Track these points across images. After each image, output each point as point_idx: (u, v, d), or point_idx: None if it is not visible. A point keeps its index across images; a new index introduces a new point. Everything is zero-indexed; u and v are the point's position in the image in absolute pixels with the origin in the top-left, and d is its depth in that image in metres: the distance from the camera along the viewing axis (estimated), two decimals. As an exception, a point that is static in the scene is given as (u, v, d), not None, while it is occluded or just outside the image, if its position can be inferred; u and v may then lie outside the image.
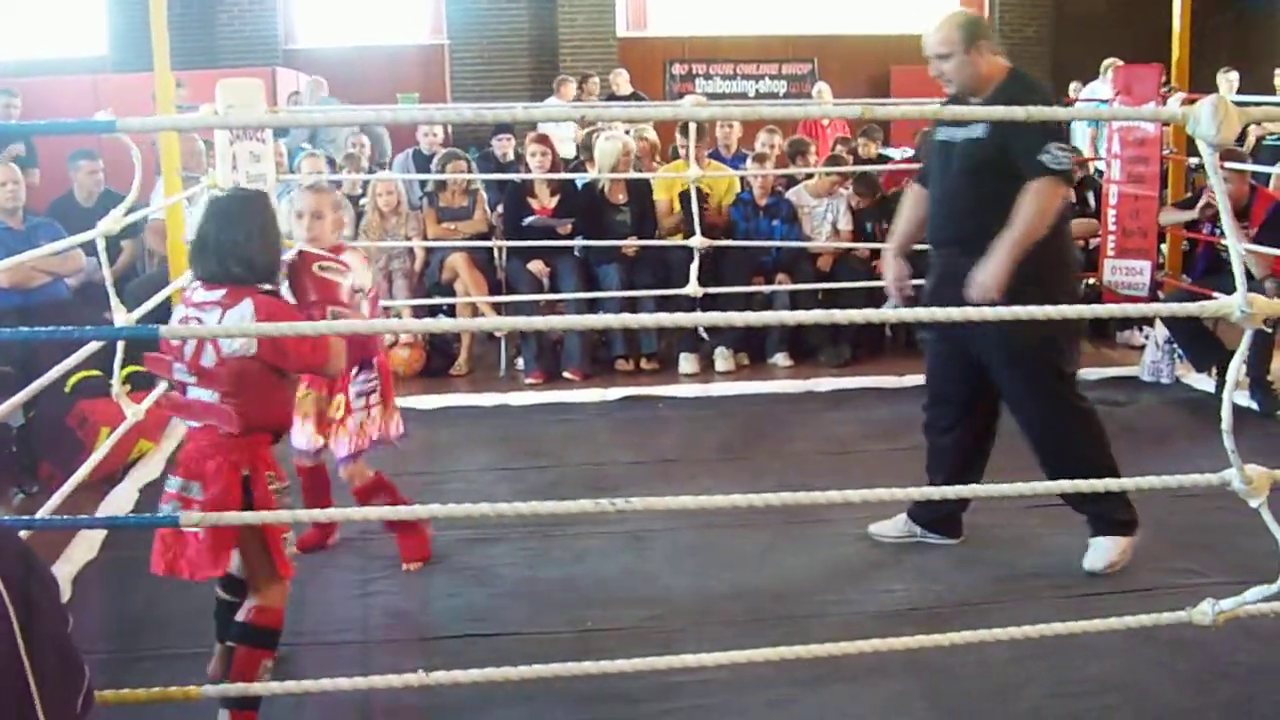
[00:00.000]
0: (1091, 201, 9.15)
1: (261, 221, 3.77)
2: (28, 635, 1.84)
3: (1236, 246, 3.04)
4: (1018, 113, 3.34)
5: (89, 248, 5.88)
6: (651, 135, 10.20)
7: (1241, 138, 12.85)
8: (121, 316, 5.16)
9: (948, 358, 5.09)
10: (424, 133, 11.15)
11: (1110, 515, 4.92)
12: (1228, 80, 13.13)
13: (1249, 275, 5.70)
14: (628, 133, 9.46)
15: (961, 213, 4.81)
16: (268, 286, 3.75)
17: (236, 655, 3.68)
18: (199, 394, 3.67)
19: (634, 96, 14.65)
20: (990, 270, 4.53)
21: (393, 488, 5.05)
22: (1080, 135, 12.71)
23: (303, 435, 4.91)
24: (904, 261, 5.21)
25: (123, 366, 5.64)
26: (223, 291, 3.66)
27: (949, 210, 4.88)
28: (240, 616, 3.72)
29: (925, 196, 5.12)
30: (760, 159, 9.38)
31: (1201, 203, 7.70)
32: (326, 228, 4.68)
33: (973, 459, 5.11)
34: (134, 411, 5.58)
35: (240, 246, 3.67)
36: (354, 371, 4.80)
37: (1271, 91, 13.19)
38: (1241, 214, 7.40)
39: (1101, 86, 12.98)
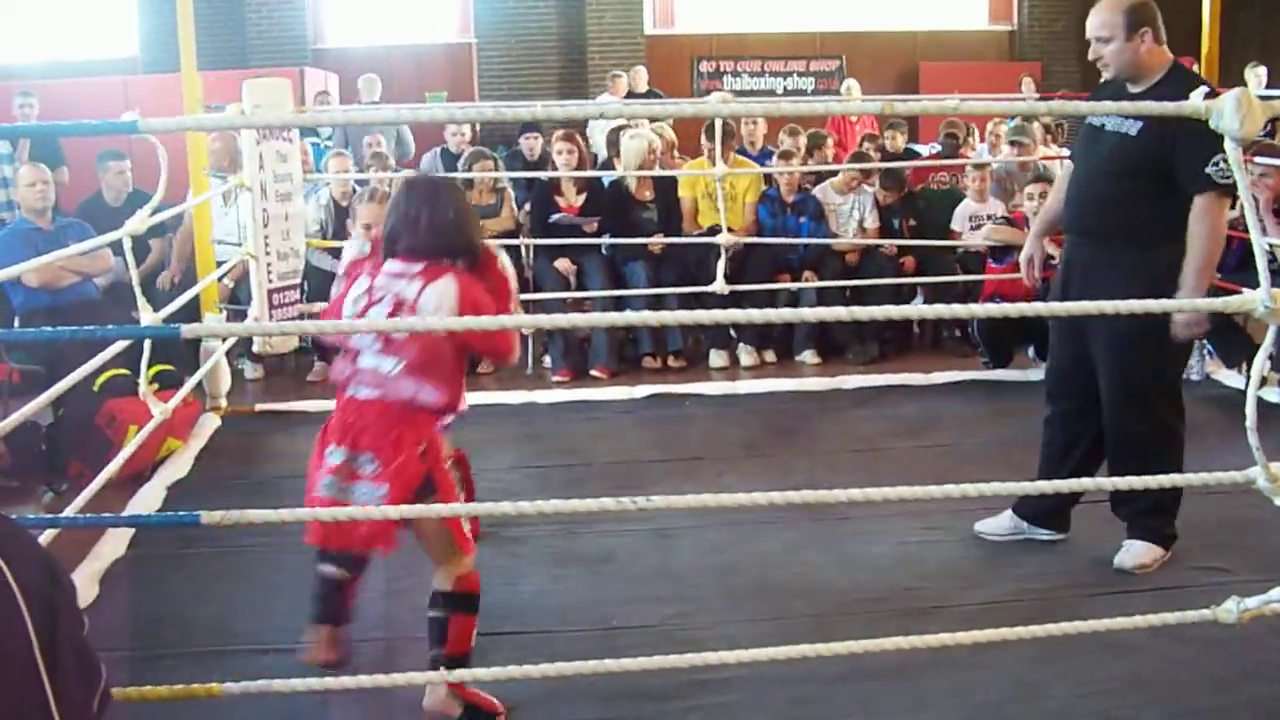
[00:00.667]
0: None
1: (465, 202, 3.96)
2: (44, 640, 1.85)
3: (1260, 241, 3.02)
4: (1040, 108, 3.32)
5: (117, 248, 5.91)
6: (669, 133, 10.18)
7: (1272, 133, 12.79)
8: (148, 316, 5.18)
9: (1073, 352, 4.96)
10: (452, 131, 11.16)
11: (1156, 526, 4.91)
12: (1256, 75, 13.08)
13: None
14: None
15: (1098, 206, 4.76)
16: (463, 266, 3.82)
17: (451, 625, 3.75)
18: (377, 363, 3.72)
19: (650, 94, 14.62)
20: (1188, 293, 4.47)
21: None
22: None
23: None
24: (1044, 246, 5.27)
25: (150, 365, 5.67)
26: (422, 265, 3.74)
27: (1086, 200, 4.84)
28: (442, 587, 3.79)
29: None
30: (786, 156, 9.38)
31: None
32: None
33: (1092, 456, 5.03)
34: (161, 410, 5.60)
35: (450, 225, 3.79)
36: None
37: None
38: None
39: None
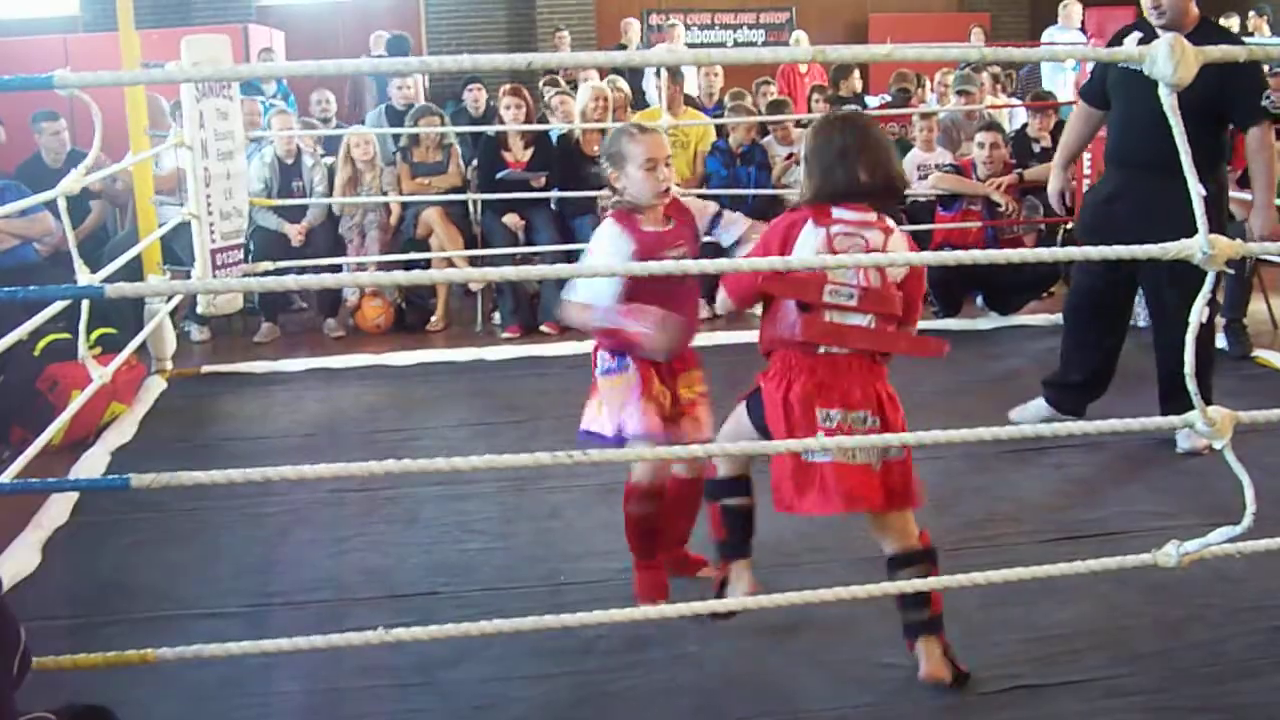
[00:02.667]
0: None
1: (891, 144, 3.73)
2: None
3: (1197, 188, 3.02)
4: (972, 54, 3.31)
5: (55, 209, 5.82)
6: (624, 87, 10.14)
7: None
8: (85, 277, 5.11)
9: (1106, 267, 5.36)
10: (396, 86, 10.98)
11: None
12: (1229, 25, 13.13)
13: (1231, 216, 5.83)
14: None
15: (1155, 138, 4.77)
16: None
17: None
18: (852, 319, 3.53)
19: (434, 51, 14.35)
20: (1264, 220, 5.27)
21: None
22: (1058, 78, 12.65)
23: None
24: (1067, 176, 5.94)
25: (93, 329, 5.60)
26: (874, 214, 3.55)
27: (1142, 134, 5.11)
28: (903, 546, 3.70)
29: (1092, 115, 5.79)
30: (740, 109, 9.37)
31: None
32: (673, 176, 4.18)
33: (1112, 362, 5.71)
34: (100, 374, 5.53)
35: (894, 168, 3.63)
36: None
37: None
38: None
39: (1060, 30, 12.96)
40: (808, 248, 3.49)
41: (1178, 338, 4.93)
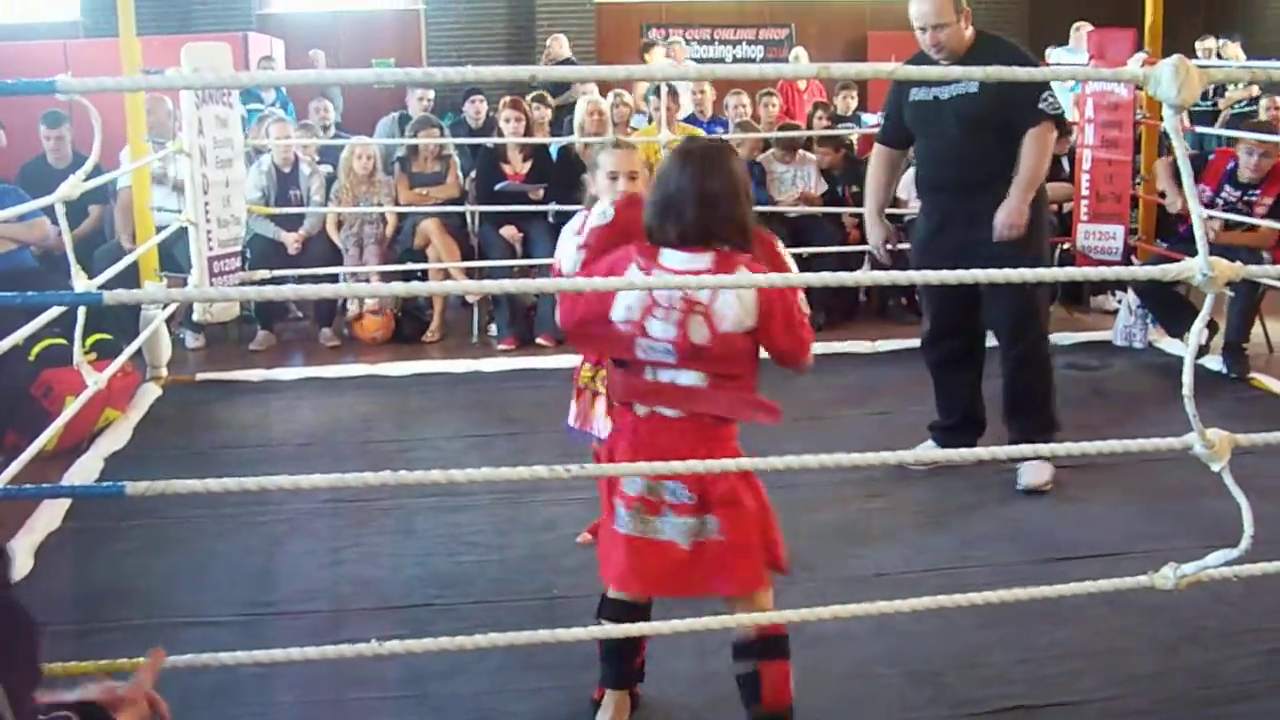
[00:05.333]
0: (1066, 166, 9.11)
1: (744, 177, 3.28)
2: None
3: (1198, 210, 3.02)
4: (975, 72, 3.31)
5: (53, 214, 5.81)
6: (629, 100, 10.16)
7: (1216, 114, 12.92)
8: (82, 283, 5.10)
9: (947, 296, 5.53)
10: (418, 96, 11.06)
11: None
12: (1205, 47, 13.15)
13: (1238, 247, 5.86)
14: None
15: (960, 159, 5.36)
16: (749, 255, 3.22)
17: (768, 674, 3.32)
18: (674, 377, 3.22)
19: (568, 61, 14.41)
20: (1011, 209, 5.21)
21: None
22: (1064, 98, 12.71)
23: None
24: (886, 221, 5.84)
25: (89, 334, 5.58)
26: (709, 256, 3.15)
27: (946, 158, 5.43)
28: (745, 633, 3.34)
29: (893, 156, 5.85)
30: (744, 127, 9.37)
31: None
32: (641, 188, 3.92)
33: (978, 388, 5.78)
34: (96, 380, 5.52)
35: (730, 204, 3.19)
36: None
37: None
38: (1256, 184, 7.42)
39: (1069, 52, 12.97)
40: (624, 297, 3.18)
41: (1011, 353, 5.57)
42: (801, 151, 9.27)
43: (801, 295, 3.26)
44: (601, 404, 4.22)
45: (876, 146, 5.95)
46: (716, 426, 3.28)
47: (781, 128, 9.86)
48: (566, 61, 14.19)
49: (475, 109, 10.64)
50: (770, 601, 3.35)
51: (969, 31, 5.30)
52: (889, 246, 5.83)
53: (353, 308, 8.71)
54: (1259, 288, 7.15)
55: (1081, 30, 12.81)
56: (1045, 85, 5.25)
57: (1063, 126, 5.77)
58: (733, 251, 3.18)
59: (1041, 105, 5.19)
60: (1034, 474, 5.41)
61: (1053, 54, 13.55)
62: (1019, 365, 5.56)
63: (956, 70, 3.95)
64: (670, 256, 3.18)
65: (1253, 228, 7.34)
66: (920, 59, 5.41)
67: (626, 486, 3.27)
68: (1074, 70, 4.04)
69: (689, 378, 3.21)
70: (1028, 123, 5.21)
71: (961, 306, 5.53)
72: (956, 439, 5.56)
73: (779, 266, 3.29)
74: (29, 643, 2.08)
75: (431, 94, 11.16)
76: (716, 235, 3.17)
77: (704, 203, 3.16)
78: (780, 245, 3.37)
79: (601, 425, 4.20)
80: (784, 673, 3.33)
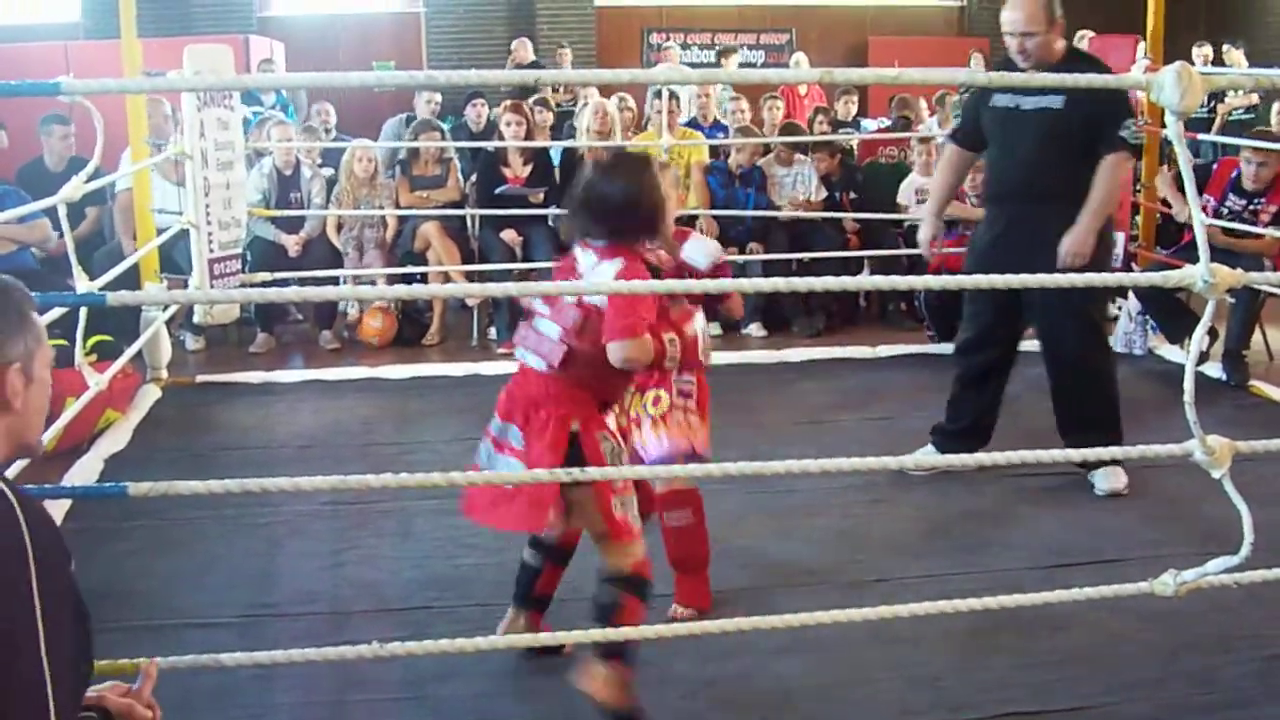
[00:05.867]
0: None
1: (644, 186, 3.64)
2: (44, 588, 1.97)
3: (1200, 217, 3.03)
4: (979, 77, 3.32)
5: (55, 216, 5.82)
6: (633, 104, 10.18)
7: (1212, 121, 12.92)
8: (83, 284, 5.10)
9: (998, 304, 5.49)
10: (425, 99, 11.09)
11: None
12: (1202, 54, 13.17)
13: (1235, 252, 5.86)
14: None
15: (1033, 171, 5.29)
16: (647, 251, 3.72)
17: (623, 608, 3.53)
18: (546, 327, 3.61)
19: (534, 65, 14.34)
20: (1078, 238, 5.15)
21: (700, 507, 4.37)
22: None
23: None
24: (940, 222, 5.84)
25: (89, 336, 5.58)
26: (605, 243, 3.61)
27: (1018, 168, 5.37)
28: (623, 569, 3.58)
29: (964, 157, 5.86)
30: (745, 131, 9.38)
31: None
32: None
33: (1000, 398, 5.74)
34: (97, 381, 5.52)
35: (613, 202, 3.59)
36: (675, 373, 4.30)
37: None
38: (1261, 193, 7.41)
39: None
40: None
41: (1077, 371, 5.48)
42: (800, 155, 9.28)
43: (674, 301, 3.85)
44: (677, 416, 4.33)
45: (948, 146, 5.98)
46: (563, 377, 3.57)
47: (784, 128, 9.88)
48: (533, 65, 14.17)
49: (476, 112, 10.64)
50: (629, 550, 3.58)
51: (1059, 44, 5.26)
52: (935, 248, 5.85)
53: (353, 311, 8.72)
54: (1259, 295, 7.15)
55: (1084, 39, 12.84)
56: (1129, 113, 5.23)
57: (1138, 156, 5.82)
58: (624, 245, 3.59)
59: (1123, 133, 5.16)
60: (1114, 479, 5.42)
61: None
62: (1088, 382, 5.49)
63: (981, 77, 3.98)
64: (581, 251, 3.67)
65: (1257, 235, 7.34)
66: (1007, 64, 5.40)
67: (491, 427, 3.69)
68: (1077, 78, 4.03)
69: (551, 329, 3.60)
70: (1107, 148, 5.17)
71: (1007, 315, 5.51)
72: (959, 445, 5.47)
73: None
74: (88, 645, 2.15)
75: (439, 97, 11.19)
76: (598, 235, 3.62)
77: (590, 208, 3.63)
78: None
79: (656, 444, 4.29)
80: (636, 610, 3.56)
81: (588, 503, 3.57)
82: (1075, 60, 5.26)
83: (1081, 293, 4.95)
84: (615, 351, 3.48)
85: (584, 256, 3.65)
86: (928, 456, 5.54)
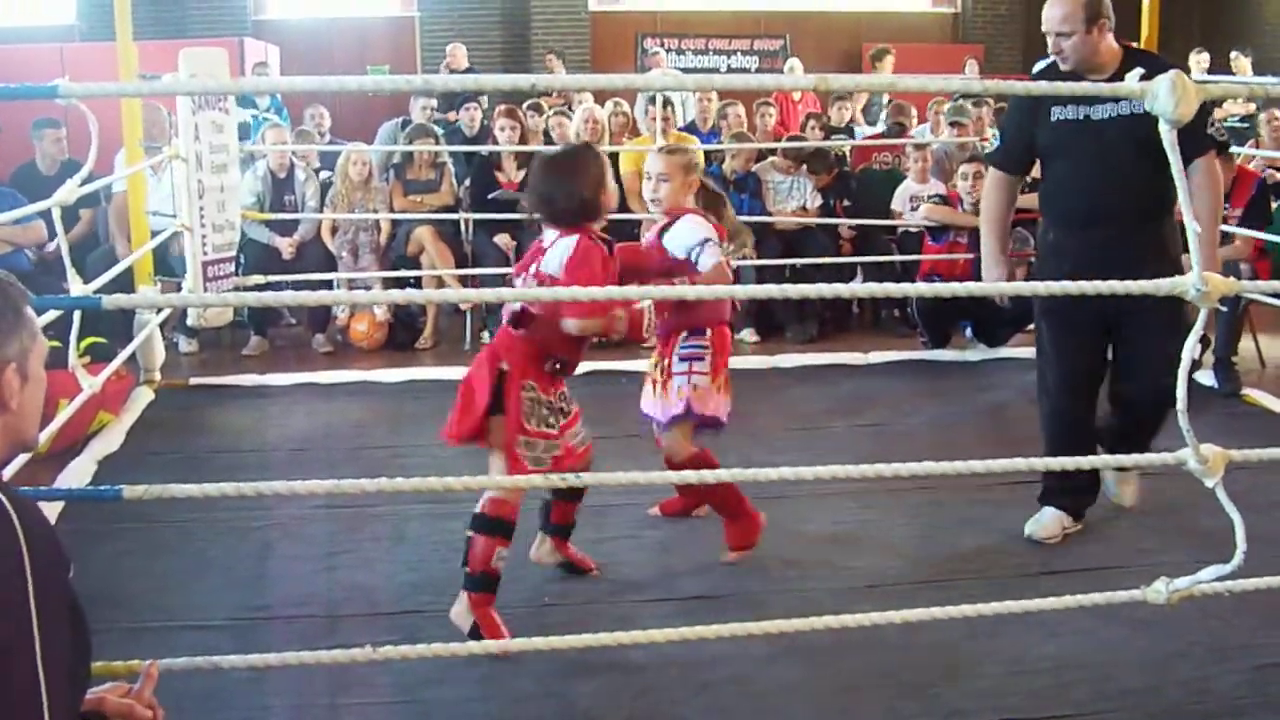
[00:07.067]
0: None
1: (590, 172, 4.17)
2: (39, 590, 1.97)
3: (1193, 225, 3.03)
4: (974, 86, 3.32)
5: (48, 218, 5.81)
6: (627, 110, 10.18)
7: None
8: (77, 287, 5.10)
9: (1090, 342, 4.91)
10: (422, 105, 11.09)
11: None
12: (1199, 61, 13.19)
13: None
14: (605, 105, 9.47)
15: (1116, 189, 4.70)
16: (599, 230, 4.21)
17: (473, 543, 4.15)
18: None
19: (469, 71, 14.27)
20: (1205, 258, 4.01)
21: (709, 461, 4.70)
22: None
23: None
24: (1008, 260, 5.18)
25: (82, 338, 5.57)
26: (557, 231, 4.16)
27: (1098, 188, 4.73)
28: (477, 507, 4.18)
29: (1013, 183, 5.13)
30: (739, 137, 9.39)
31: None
32: (668, 190, 4.77)
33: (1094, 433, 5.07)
34: (90, 383, 5.52)
35: (564, 195, 4.13)
36: (682, 336, 4.73)
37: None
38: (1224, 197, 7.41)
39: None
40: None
41: (1160, 394, 4.16)
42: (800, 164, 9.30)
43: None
44: (677, 381, 4.74)
45: (994, 174, 5.20)
46: (517, 333, 4.15)
47: (789, 139, 9.89)
48: (468, 71, 14.14)
49: (470, 117, 10.65)
50: (503, 490, 4.12)
51: (1105, 44, 4.69)
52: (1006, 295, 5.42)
53: (342, 314, 8.72)
54: (1241, 301, 7.17)
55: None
56: (1210, 107, 4.75)
57: (1227, 152, 5.20)
58: (580, 227, 4.12)
59: (1209, 130, 4.68)
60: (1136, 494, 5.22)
61: (1039, 67, 13.60)
62: (1154, 412, 4.78)
63: (955, 83, 3.94)
64: (545, 233, 4.24)
65: (1228, 240, 7.36)
66: (1052, 70, 4.89)
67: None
68: (1075, 85, 4.02)
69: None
70: (1196, 149, 4.49)
71: (1099, 356, 4.94)
72: (1078, 501, 5.07)
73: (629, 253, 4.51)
74: (86, 650, 2.15)
75: (435, 101, 11.19)
76: (552, 218, 4.18)
77: (542, 193, 4.21)
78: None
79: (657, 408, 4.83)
80: (486, 547, 4.15)
81: (499, 431, 4.15)
82: (1136, 61, 4.43)
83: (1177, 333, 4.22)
84: (569, 322, 4.05)
85: (548, 234, 4.20)
86: (1046, 524, 5.03)
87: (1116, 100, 4.59)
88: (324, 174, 9.29)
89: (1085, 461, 3.48)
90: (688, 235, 4.62)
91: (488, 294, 4.13)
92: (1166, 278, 3.59)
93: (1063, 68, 4.77)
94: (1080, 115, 4.74)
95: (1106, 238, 4.71)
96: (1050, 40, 4.75)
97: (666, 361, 4.75)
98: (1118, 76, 4.52)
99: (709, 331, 4.73)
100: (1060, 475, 4.89)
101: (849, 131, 11.68)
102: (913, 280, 8.47)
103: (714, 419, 4.74)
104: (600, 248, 4.13)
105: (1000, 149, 5.24)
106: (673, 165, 4.76)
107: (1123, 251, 4.65)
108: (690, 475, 4.00)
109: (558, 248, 4.09)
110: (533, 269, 4.20)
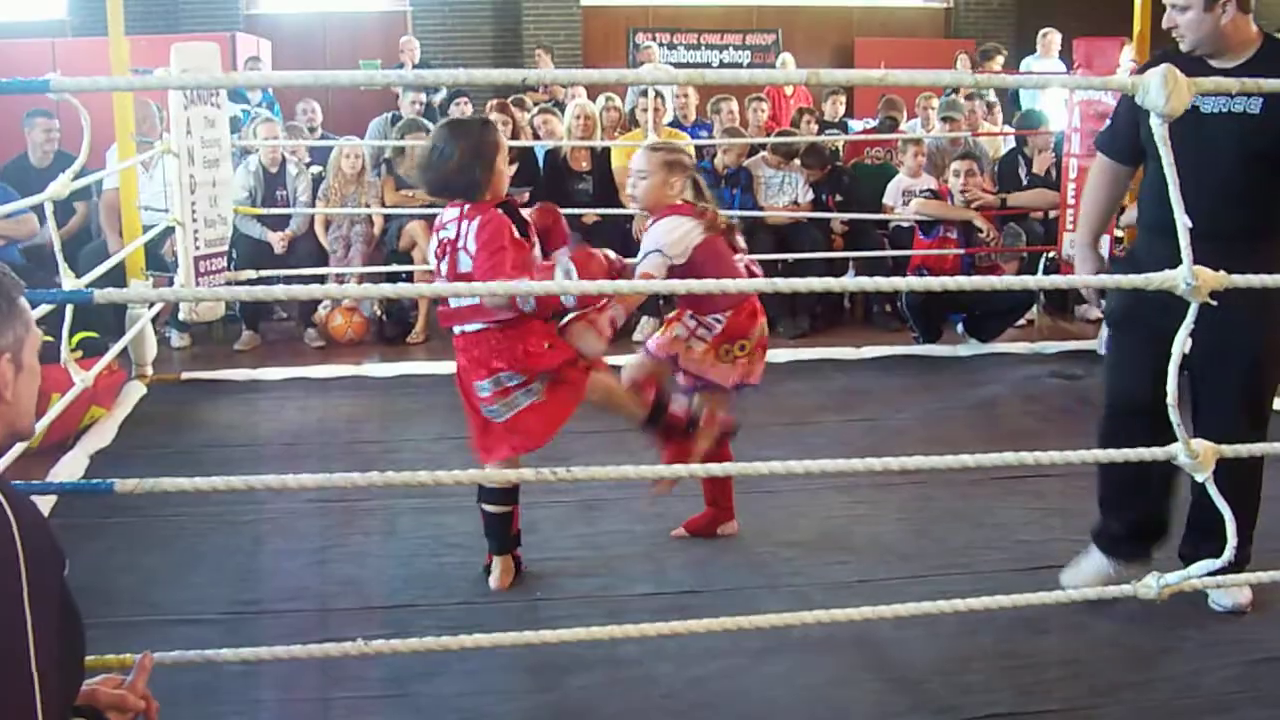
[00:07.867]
0: (1053, 174, 9.15)
1: (481, 145, 4.20)
2: (33, 591, 1.96)
3: (1183, 219, 3.03)
4: (965, 79, 3.32)
5: (40, 211, 5.81)
6: (619, 105, 10.18)
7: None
8: (70, 281, 5.09)
9: (1152, 360, 3.68)
10: (410, 100, 11.07)
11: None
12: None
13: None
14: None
15: (1221, 197, 3.92)
16: (503, 204, 4.25)
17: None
18: (459, 302, 4.27)
19: (422, 65, 14.23)
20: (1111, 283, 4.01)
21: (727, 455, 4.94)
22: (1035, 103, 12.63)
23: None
24: (1100, 255, 4.57)
25: (74, 332, 5.57)
26: (460, 209, 4.22)
27: (1201, 193, 3.51)
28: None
29: (1121, 173, 4.43)
30: (731, 132, 9.39)
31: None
32: (645, 187, 4.75)
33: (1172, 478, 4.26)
34: (82, 378, 5.51)
35: (453, 163, 4.17)
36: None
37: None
38: None
39: (1038, 59, 12.99)
40: (433, 250, 4.41)
41: (1230, 465, 3.49)
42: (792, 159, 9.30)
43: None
44: (676, 330, 4.82)
45: (1100, 159, 4.50)
46: (502, 332, 4.24)
47: (779, 134, 9.89)
48: (422, 65, 14.10)
49: (461, 112, 10.63)
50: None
51: (1234, 26, 3.98)
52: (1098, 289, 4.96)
53: (322, 311, 8.71)
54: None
55: (1049, 37, 12.84)
56: None
57: None
58: (476, 205, 4.18)
59: None
60: (1239, 593, 4.25)
61: (1025, 63, 13.61)
62: (1229, 476, 3.48)
63: (946, 77, 3.91)
64: (445, 213, 4.29)
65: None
66: (1173, 52, 4.14)
67: (479, 390, 4.37)
68: (1065, 79, 4.03)
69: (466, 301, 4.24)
70: None
71: (1154, 376, 3.51)
72: (1133, 547, 4.41)
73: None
74: (79, 646, 2.16)
75: (424, 96, 11.17)
76: (452, 192, 4.25)
77: (434, 168, 4.21)
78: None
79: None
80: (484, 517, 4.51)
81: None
82: (1273, 53, 4.02)
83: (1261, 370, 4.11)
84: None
85: (448, 212, 4.28)
86: (1096, 570, 4.44)
87: (1231, 94, 3.92)
88: (315, 168, 9.27)
89: (1078, 456, 3.45)
90: (649, 238, 4.67)
91: (479, 288, 4.08)
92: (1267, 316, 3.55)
93: (1181, 48, 4.11)
94: (1189, 105, 3.67)
95: (1199, 257, 3.31)
96: (1166, 14, 4.11)
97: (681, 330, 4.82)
98: (1251, 66, 3.97)
99: (724, 314, 4.76)
100: (1115, 507, 4.43)
101: (842, 126, 11.69)
102: (904, 275, 8.48)
103: (699, 376, 4.80)
104: (508, 222, 4.20)
105: (1107, 130, 4.53)
106: (653, 162, 4.73)
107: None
108: (682, 470, 3.99)
109: (466, 229, 4.17)
110: (445, 255, 4.26)
